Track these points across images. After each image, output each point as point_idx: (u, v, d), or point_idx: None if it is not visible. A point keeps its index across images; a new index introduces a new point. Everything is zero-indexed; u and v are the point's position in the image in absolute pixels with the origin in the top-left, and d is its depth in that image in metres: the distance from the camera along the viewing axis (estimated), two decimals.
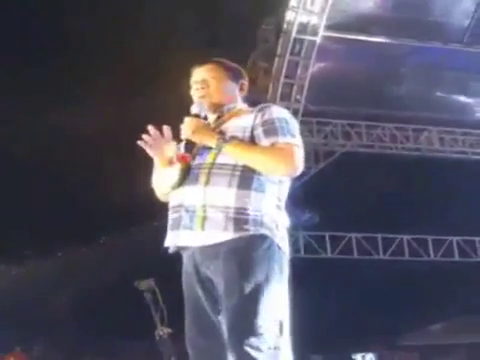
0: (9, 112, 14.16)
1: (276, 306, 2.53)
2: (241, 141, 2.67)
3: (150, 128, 2.84)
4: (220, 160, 2.64)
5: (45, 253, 18.44)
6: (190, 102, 2.93)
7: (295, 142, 2.64)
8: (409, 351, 21.40)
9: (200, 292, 2.68)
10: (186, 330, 2.76)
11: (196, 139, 2.72)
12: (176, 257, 2.77)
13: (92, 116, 13.56)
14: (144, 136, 2.82)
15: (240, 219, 2.53)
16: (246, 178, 2.59)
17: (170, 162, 2.83)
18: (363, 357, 22.15)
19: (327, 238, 14.99)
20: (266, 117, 2.69)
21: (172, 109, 2.91)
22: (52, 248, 18.56)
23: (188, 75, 3.02)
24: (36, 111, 13.82)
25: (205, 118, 2.90)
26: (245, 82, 2.98)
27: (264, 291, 2.51)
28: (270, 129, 2.65)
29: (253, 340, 2.46)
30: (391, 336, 20.95)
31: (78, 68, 13.97)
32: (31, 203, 16.33)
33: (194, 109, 2.82)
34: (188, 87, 3.01)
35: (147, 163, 2.94)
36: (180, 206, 2.65)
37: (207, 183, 2.59)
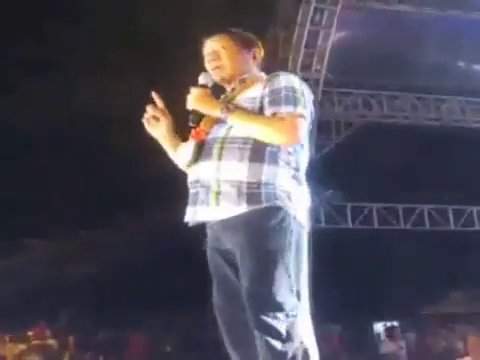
0: (34, 94, 14.18)
1: (291, 275, 2.56)
2: (245, 111, 2.65)
3: (154, 96, 2.88)
4: (232, 134, 2.62)
5: (68, 232, 18.71)
6: None
7: (298, 111, 2.59)
8: (430, 319, 21.42)
9: (222, 262, 2.73)
10: (213, 299, 2.81)
11: (201, 109, 2.70)
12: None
13: (115, 98, 13.56)
14: (147, 111, 2.87)
15: (253, 194, 2.54)
16: (258, 150, 2.57)
17: (171, 140, 2.89)
18: (384, 325, 22.21)
19: (348, 208, 14.89)
20: (274, 86, 2.64)
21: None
22: (74, 228, 18.84)
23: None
24: (60, 93, 13.84)
25: (222, 90, 2.87)
26: (258, 50, 2.89)
27: (278, 260, 2.53)
28: (275, 99, 2.61)
29: (270, 308, 2.51)
30: (412, 305, 20.99)
31: (103, 49, 13.96)
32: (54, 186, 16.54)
33: (201, 80, 2.77)
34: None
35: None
36: (197, 182, 2.66)
37: (220, 157, 2.60)
